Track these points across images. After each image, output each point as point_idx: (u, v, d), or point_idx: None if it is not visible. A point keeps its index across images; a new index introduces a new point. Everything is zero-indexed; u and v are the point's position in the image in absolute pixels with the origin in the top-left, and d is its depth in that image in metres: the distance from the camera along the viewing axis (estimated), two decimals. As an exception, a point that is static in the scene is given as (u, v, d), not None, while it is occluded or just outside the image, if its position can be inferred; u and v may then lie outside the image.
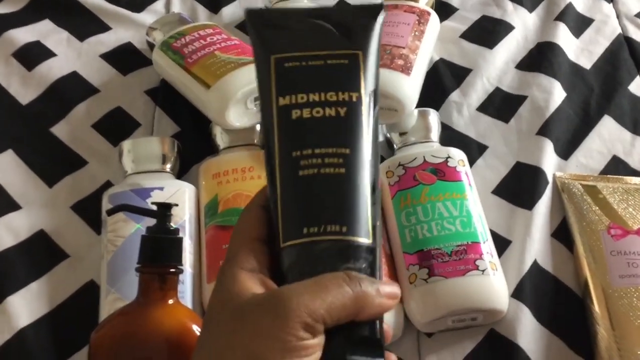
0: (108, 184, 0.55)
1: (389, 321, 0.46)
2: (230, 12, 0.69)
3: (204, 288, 0.48)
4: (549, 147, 0.57)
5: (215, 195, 0.51)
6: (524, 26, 0.67)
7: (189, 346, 0.40)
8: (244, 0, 0.71)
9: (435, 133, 0.56)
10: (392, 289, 0.30)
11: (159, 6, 0.69)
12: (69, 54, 0.65)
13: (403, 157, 0.53)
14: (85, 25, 0.67)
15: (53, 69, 0.63)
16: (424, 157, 0.52)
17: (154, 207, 0.42)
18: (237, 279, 0.29)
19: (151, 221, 0.42)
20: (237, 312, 0.28)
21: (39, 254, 0.51)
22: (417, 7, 0.61)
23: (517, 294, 0.49)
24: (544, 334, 0.48)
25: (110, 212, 0.43)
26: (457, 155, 0.53)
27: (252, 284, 0.29)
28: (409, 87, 0.53)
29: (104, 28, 0.67)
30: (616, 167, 0.57)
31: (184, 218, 0.50)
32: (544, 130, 0.58)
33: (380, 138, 0.59)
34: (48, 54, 0.64)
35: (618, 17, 0.69)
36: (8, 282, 0.49)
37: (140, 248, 0.41)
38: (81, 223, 0.53)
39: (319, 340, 0.28)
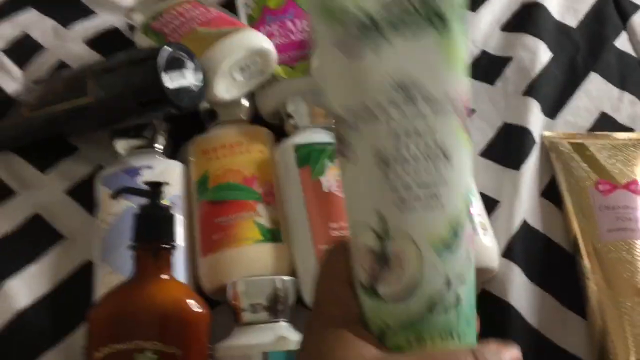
0: (100, 168, 0.56)
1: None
2: (214, -9, 0.69)
3: (198, 262, 0.49)
4: (535, 107, 0.57)
5: (205, 172, 0.52)
6: (508, -13, 0.67)
7: (183, 320, 0.42)
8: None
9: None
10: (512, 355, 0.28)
11: (142, -12, 0.69)
12: (55, 44, 0.65)
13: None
14: (69, 11, 0.67)
15: (42, 64, 0.63)
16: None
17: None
18: (342, 333, 0.27)
19: (143, 200, 0.44)
20: None
21: (35, 238, 0.52)
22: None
23: (507, 253, 0.49)
24: (535, 291, 0.48)
25: (115, 195, 0.45)
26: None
27: (359, 341, 0.27)
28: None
29: (88, 13, 0.67)
30: (604, 123, 0.58)
31: (174, 194, 0.51)
32: (530, 91, 0.58)
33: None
34: (36, 48, 0.64)
35: (603, -27, 0.69)
36: (7, 266, 0.50)
37: (133, 226, 0.43)
38: (76, 206, 0.54)
39: None
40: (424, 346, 0.27)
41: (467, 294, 0.28)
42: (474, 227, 0.47)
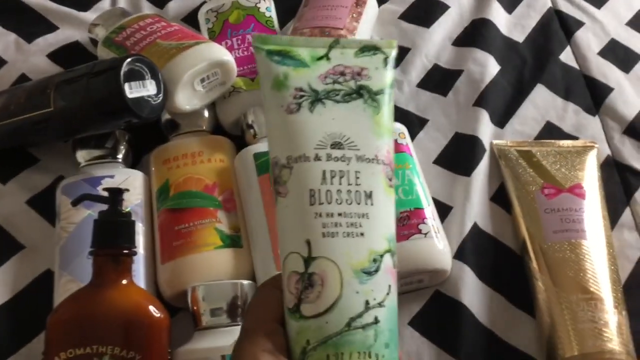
0: (61, 178, 0.56)
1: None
2: (176, 6, 0.70)
3: (158, 269, 0.50)
4: (484, 117, 0.60)
5: (166, 180, 0.53)
6: (459, 5, 0.70)
7: (143, 324, 0.42)
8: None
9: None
10: None
11: (105, 4, 0.70)
12: (17, 58, 0.65)
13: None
14: (32, 26, 0.68)
15: (4, 78, 0.64)
16: (366, 132, 0.54)
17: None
18: None
19: (103, 207, 0.44)
20: None
21: (-5, 247, 0.52)
22: (354, -10, 0.63)
23: (460, 255, 0.51)
24: (487, 292, 0.50)
25: (75, 203, 0.45)
26: (397, 129, 0.55)
27: None
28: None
29: (51, 28, 0.68)
30: (550, 132, 0.60)
31: (135, 203, 0.52)
32: (480, 101, 0.61)
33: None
34: None
35: (548, -9, 0.72)
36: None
37: (93, 232, 0.43)
38: (37, 216, 0.54)
39: None
40: None
41: (387, 319, 0.30)
42: (427, 233, 0.49)
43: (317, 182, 0.31)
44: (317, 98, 0.32)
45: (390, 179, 0.32)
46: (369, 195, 0.31)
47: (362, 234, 0.30)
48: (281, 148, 0.31)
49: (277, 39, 0.33)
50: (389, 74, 0.33)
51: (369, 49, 0.33)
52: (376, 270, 0.30)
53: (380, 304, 0.30)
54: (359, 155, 0.31)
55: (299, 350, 0.30)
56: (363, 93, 0.32)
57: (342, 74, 0.32)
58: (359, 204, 0.31)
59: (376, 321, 0.30)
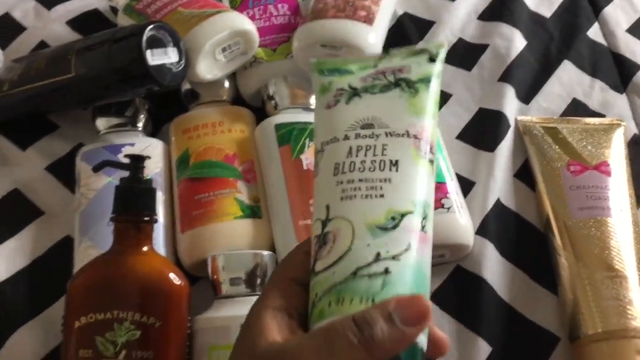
0: (81, 146, 0.56)
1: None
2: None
3: (178, 238, 0.50)
4: (510, 92, 0.59)
5: (186, 150, 0.53)
6: (485, -22, 0.69)
7: (163, 291, 0.42)
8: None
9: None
10: (411, 313, 0.27)
11: (125, -28, 0.70)
12: (37, 24, 0.65)
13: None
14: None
15: (23, 44, 0.63)
16: (388, 105, 0.54)
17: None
18: (261, 319, 0.29)
19: (123, 175, 0.44)
20: None
21: (14, 213, 0.52)
22: (379, -39, 0.62)
23: (482, 230, 0.51)
24: (508, 268, 0.50)
25: (96, 169, 0.45)
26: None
27: (273, 327, 0.29)
28: (372, 36, 0.54)
29: (70, -5, 0.68)
30: (576, 109, 0.59)
31: (155, 171, 0.52)
32: (505, 77, 0.60)
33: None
34: (18, 28, 0.65)
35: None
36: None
37: (115, 198, 0.43)
38: (56, 183, 0.54)
39: None
40: (343, 307, 0.28)
41: (401, 274, 0.29)
42: (450, 207, 0.48)
43: (343, 156, 0.31)
44: (355, 93, 0.32)
45: (424, 153, 0.31)
46: (394, 163, 0.30)
47: (382, 195, 0.30)
48: (318, 138, 0.33)
49: (333, 61, 0.34)
50: (433, 67, 0.33)
51: (416, 52, 0.33)
52: (394, 227, 0.29)
53: (394, 257, 0.29)
54: (388, 132, 0.31)
55: (310, 305, 0.29)
56: (401, 83, 0.32)
57: (383, 73, 0.33)
58: (382, 170, 0.30)
59: (386, 272, 0.28)
